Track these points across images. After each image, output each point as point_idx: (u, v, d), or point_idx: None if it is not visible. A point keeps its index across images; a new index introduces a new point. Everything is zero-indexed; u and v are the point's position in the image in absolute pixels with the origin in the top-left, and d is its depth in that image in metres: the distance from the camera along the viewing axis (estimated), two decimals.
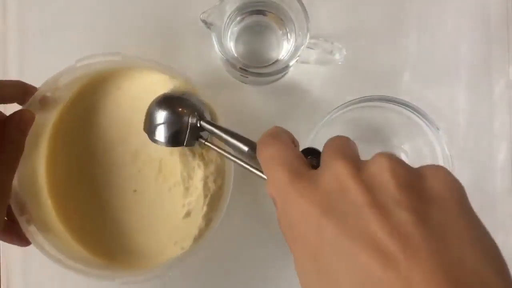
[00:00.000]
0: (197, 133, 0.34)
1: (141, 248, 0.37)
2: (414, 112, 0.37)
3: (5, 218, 0.32)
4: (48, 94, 0.35)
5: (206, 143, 0.34)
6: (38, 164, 0.37)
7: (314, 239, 0.19)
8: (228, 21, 0.40)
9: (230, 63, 0.37)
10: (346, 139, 0.24)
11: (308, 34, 0.36)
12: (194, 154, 0.36)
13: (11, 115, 0.32)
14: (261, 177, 0.26)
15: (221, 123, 0.35)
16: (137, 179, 0.38)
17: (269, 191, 0.23)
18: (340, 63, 0.39)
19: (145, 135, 0.35)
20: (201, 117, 0.34)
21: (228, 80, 0.42)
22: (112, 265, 0.37)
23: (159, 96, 0.35)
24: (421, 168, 0.21)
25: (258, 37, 0.42)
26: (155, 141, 0.34)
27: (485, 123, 0.43)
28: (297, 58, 0.37)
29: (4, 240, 0.34)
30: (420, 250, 0.17)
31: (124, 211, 0.37)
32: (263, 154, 0.24)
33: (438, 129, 0.37)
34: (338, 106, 0.37)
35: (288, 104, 0.43)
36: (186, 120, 0.34)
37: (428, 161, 0.39)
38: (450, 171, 0.21)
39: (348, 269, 0.18)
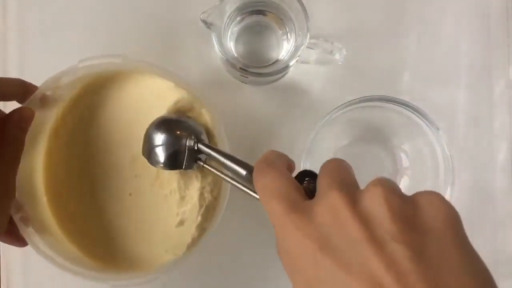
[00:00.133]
0: (195, 156, 0.35)
1: (134, 253, 0.37)
2: (414, 112, 0.37)
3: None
4: (49, 92, 0.35)
5: (204, 165, 0.34)
6: (36, 163, 0.37)
7: (312, 272, 0.20)
8: (228, 21, 0.40)
9: (230, 63, 0.37)
10: (342, 162, 0.24)
11: (308, 34, 0.36)
12: None
13: (11, 112, 0.32)
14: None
15: (220, 123, 0.35)
16: (134, 183, 0.37)
17: (269, 218, 0.23)
18: (340, 63, 0.39)
19: None
20: (198, 140, 0.34)
21: (228, 80, 0.42)
22: (106, 268, 0.37)
23: (157, 119, 0.35)
24: (416, 196, 0.21)
25: (258, 37, 0.42)
26: (154, 164, 0.35)
27: (485, 123, 0.43)
28: (297, 58, 0.37)
29: (5, 241, 0.34)
30: (417, 287, 0.18)
31: (119, 214, 0.37)
32: (258, 183, 0.25)
33: (438, 129, 0.37)
34: (338, 106, 0.37)
35: (288, 104, 0.43)
36: (184, 142, 0.34)
37: (428, 161, 0.39)
38: (445, 198, 0.21)
39: None
